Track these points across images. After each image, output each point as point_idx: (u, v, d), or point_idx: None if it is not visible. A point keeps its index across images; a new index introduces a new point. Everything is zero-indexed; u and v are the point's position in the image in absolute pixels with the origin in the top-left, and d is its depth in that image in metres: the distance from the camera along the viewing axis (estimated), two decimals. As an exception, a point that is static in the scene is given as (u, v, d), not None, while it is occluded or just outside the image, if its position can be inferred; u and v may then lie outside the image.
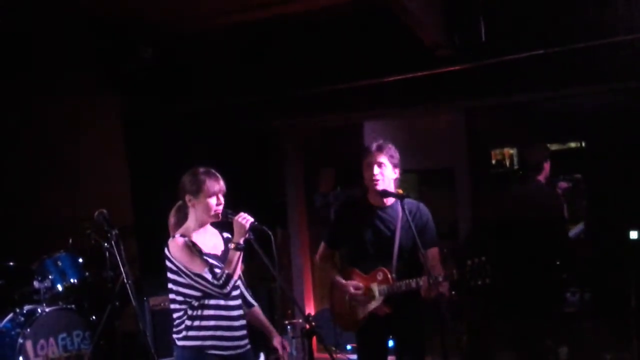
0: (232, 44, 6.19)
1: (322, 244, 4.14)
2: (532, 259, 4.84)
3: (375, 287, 3.90)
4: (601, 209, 5.67)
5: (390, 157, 3.85)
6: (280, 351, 3.67)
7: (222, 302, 3.47)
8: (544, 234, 4.87)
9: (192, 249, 3.42)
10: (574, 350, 5.29)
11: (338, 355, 5.76)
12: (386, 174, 3.84)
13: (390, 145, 3.89)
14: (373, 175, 3.82)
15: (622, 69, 4.99)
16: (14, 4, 4.97)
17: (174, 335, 3.50)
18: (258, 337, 3.80)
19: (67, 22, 5.61)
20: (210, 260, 3.44)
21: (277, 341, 3.68)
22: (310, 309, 6.60)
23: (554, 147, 6.27)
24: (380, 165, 3.83)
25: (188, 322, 3.44)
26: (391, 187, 3.88)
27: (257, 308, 3.71)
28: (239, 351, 3.53)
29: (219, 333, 3.46)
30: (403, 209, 3.79)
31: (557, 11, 5.15)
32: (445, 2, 5.36)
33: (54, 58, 5.82)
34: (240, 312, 3.57)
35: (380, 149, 3.85)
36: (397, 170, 3.90)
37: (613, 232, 5.33)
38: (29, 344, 4.82)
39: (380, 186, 3.83)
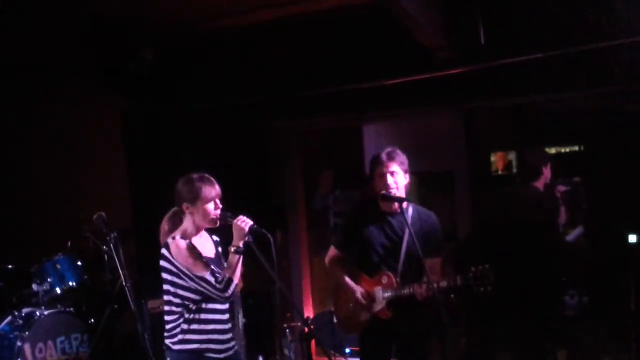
0: (232, 45, 6.19)
1: (331, 247, 4.17)
2: (529, 262, 4.84)
3: (379, 291, 3.92)
4: (600, 213, 5.67)
5: (401, 163, 3.89)
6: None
7: (217, 306, 3.49)
8: (537, 238, 4.88)
9: (195, 251, 3.43)
10: (573, 353, 5.29)
11: (337, 359, 5.75)
12: (399, 181, 3.88)
13: (399, 151, 3.91)
14: (387, 185, 3.84)
15: (621, 71, 5.00)
16: (14, 4, 4.96)
17: (168, 340, 3.49)
18: (257, 339, 3.80)
19: (68, 22, 5.61)
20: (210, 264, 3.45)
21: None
22: (309, 313, 6.59)
23: (553, 150, 6.27)
24: (392, 174, 3.86)
25: (184, 326, 3.44)
26: (402, 193, 3.91)
27: None
28: (229, 353, 3.57)
29: (214, 336, 3.48)
30: (402, 211, 3.82)
31: (556, 14, 5.15)
32: (444, 5, 5.37)
33: (54, 58, 5.81)
34: (228, 315, 3.60)
35: (391, 158, 3.87)
36: (407, 176, 3.94)
37: (612, 235, 5.34)
38: (27, 347, 4.82)
39: (395, 194, 3.86)
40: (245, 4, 5.36)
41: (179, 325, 3.45)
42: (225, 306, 3.56)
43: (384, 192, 3.86)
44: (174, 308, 3.46)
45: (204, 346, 3.45)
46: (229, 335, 3.57)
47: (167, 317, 3.50)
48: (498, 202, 5.52)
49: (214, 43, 6.13)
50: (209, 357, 3.46)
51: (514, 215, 5.13)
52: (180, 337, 3.45)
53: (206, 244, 3.59)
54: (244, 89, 6.34)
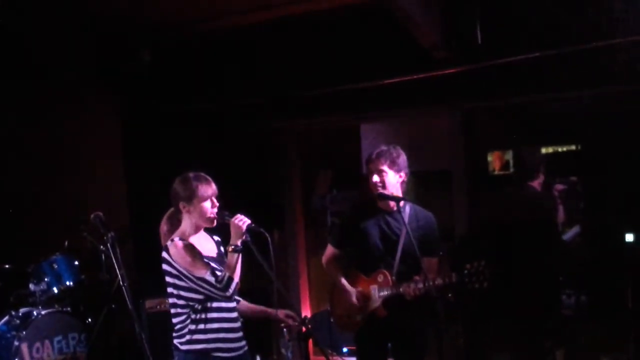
0: (232, 45, 6.19)
1: (329, 246, 4.18)
2: (527, 262, 4.84)
3: (375, 289, 3.92)
4: (597, 212, 5.68)
5: (392, 162, 3.88)
6: (291, 322, 3.69)
7: (223, 305, 3.47)
8: (536, 238, 4.89)
9: (194, 251, 3.41)
10: (571, 353, 5.29)
11: (334, 358, 5.75)
12: (388, 180, 3.88)
13: (392, 151, 3.91)
14: (373, 183, 3.87)
15: (619, 71, 5.00)
16: (13, 5, 4.96)
17: (176, 340, 3.48)
18: (254, 339, 3.80)
19: (67, 23, 5.61)
20: (211, 263, 3.44)
21: (282, 314, 3.69)
22: (306, 312, 6.59)
23: (550, 149, 6.28)
24: (380, 172, 3.86)
25: (192, 326, 3.43)
26: (396, 191, 3.90)
27: (242, 301, 3.73)
28: (239, 352, 3.55)
29: (222, 335, 3.46)
30: (399, 210, 3.82)
31: (554, 14, 5.16)
32: (442, 5, 5.38)
33: (53, 59, 5.82)
34: (237, 313, 3.58)
35: (379, 156, 3.88)
36: (402, 174, 3.93)
37: (609, 234, 5.35)
38: (24, 347, 4.81)
39: (392, 193, 3.87)
40: (245, 4, 5.36)
41: (186, 326, 3.44)
42: (233, 304, 3.53)
43: (380, 191, 3.87)
44: (179, 310, 3.45)
45: (211, 346, 3.43)
46: (238, 334, 3.54)
47: (174, 319, 3.49)
48: (496, 202, 5.53)
49: (214, 43, 6.14)
50: (218, 356, 3.44)
51: (512, 214, 5.14)
52: (188, 337, 3.44)
53: (207, 244, 3.58)
54: (243, 89, 6.34)
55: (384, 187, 3.87)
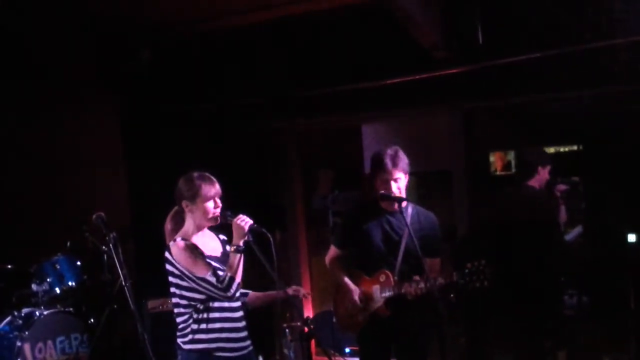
0: (232, 45, 6.19)
1: (331, 247, 4.19)
2: (528, 262, 4.85)
3: (377, 289, 3.93)
4: (599, 212, 5.69)
5: (403, 168, 3.90)
6: (300, 294, 3.77)
7: (226, 304, 3.48)
8: (536, 238, 4.89)
9: (195, 251, 3.42)
10: (572, 353, 5.30)
11: (336, 358, 5.75)
12: (402, 186, 3.90)
13: (400, 155, 3.91)
14: (392, 192, 3.86)
15: (619, 71, 5.01)
16: (13, 5, 4.96)
17: (179, 340, 3.50)
18: (256, 339, 3.80)
19: (66, 23, 5.61)
20: (213, 263, 3.45)
21: (290, 290, 3.74)
22: (308, 312, 6.59)
23: (552, 150, 6.28)
24: (396, 180, 3.87)
25: (194, 326, 3.44)
26: (402, 193, 3.93)
27: (251, 293, 3.76)
28: (243, 352, 3.56)
29: (224, 335, 3.47)
30: (400, 211, 3.83)
31: (554, 14, 5.16)
32: (442, 5, 5.38)
33: (52, 59, 5.81)
34: (242, 313, 3.59)
35: (395, 165, 3.86)
36: (407, 176, 3.96)
37: (611, 235, 5.35)
38: (27, 347, 4.82)
39: (395, 194, 3.88)
40: (245, 4, 5.36)
41: (189, 326, 3.45)
42: (237, 304, 3.54)
43: (382, 191, 3.88)
44: (182, 309, 3.47)
45: (213, 345, 3.44)
46: (242, 334, 3.55)
47: (177, 319, 3.51)
48: (496, 202, 5.53)
49: (213, 43, 6.14)
50: (220, 356, 3.46)
51: (512, 214, 5.14)
52: (190, 337, 3.45)
53: (211, 243, 3.59)
54: (244, 89, 6.34)
55: (400, 193, 3.89)
